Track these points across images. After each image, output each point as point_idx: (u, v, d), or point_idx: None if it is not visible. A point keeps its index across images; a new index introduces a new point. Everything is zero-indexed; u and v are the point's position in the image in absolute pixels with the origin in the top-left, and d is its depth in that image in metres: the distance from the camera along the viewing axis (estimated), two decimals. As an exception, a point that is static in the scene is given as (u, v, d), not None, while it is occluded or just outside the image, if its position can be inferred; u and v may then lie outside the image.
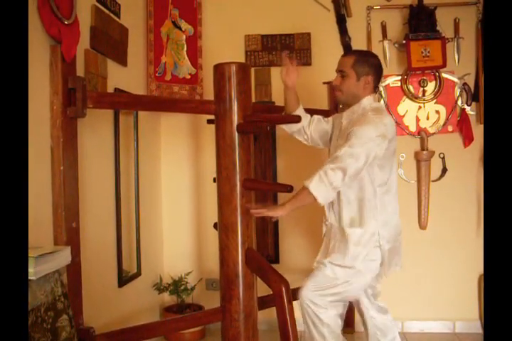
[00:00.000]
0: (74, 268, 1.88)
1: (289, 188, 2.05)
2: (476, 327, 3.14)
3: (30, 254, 1.41)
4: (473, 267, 3.11)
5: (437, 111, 3.20)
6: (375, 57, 2.28)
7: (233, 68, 2.21)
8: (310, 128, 2.42)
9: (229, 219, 2.22)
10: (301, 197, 2.08)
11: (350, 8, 3.19)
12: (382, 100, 3.18)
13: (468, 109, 3.15)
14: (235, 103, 2.20)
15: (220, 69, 2.24)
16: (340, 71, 2.24)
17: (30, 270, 1.40)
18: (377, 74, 2.25)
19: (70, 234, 1.91)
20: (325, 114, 2.68)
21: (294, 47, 3.24)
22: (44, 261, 1.47)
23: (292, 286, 2.11)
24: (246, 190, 2.21)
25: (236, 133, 2.20)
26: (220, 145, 2.23)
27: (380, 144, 2.06)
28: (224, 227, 2.23)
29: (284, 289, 2.03)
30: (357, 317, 2.70)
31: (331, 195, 2.06)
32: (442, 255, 3.19)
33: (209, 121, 2.45)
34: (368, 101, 2.23)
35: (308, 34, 3.23)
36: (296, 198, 2.09)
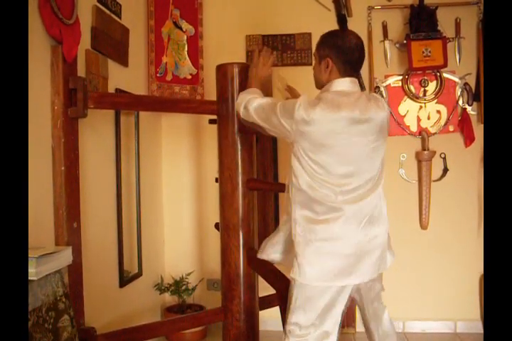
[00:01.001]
0: (75, 269, 1.88)
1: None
2: (478, 327, 3.13)
3: (31, 255, 1.41)
4: (475, 267, 3.11)
5: (438, 111, 3.20)
6: (342, 37, 1.91)
7: (236, 68, 2.21)
8: None
9: (231, 219, 2.22)
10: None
11: (351, 8, 3.19)
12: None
13: (469, 108, 3.15)
14: (238, 103, 2.20)
15: (222, 70, 2.24)
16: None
17: (32, 270, 1.40)
18: (339, 56, 1.87)
19: (71, 234, 1.91)
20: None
21: (294, 48, 3.24)
22: (45, 261, 1.47)
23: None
24: (248, 190, 2.22)
25: (238, 134, 2.20)
26: (223, 145, 2.23)
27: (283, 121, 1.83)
28: (226, 227, 2.24)
29: (286, 288, 2.03)
30: (358, 316, 2.70)
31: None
32: (443, 255, 3.19)
33: (211, 121, 2.45)
34: (331, 85, 1.88)
35: (309, 34, 3.23)
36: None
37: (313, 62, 2.02)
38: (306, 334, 1.85)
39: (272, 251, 2.05)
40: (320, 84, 1.97)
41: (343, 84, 1.87)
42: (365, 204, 1.85)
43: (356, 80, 1.93)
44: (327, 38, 1.94)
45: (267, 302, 2.36)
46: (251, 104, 1.96)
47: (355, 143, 1.82)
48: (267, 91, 2.27)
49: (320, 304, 1.84)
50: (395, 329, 2.15)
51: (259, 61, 2.16)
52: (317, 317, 1.84)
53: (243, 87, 2.20)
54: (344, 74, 1.89)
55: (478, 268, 3.08)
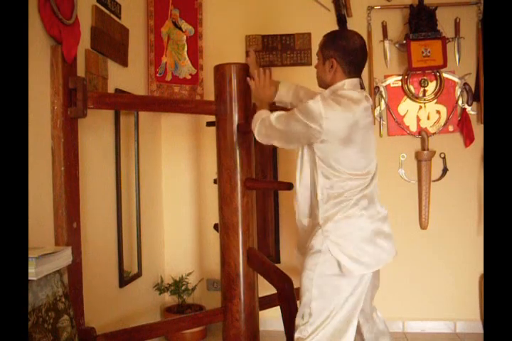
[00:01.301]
0: (75, 269, 1.88)
1: (288, 186, 2.05)
2: (477, 327, 3.14)
3: (31, 255, 1.41)
4: (474, 267, 3.11)
5: (438, 111, 3.20)
6: (347, 38, 1.94)
7: (234, 69, 2.21)
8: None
9: (230, 219, 2.22)
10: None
11: (350, 8, 3.19)
12: (382, 100, 3.18)
13: (469, 108, 3.15)
14: (236, 103, 2.21)
15: (220, 70, 2.24)
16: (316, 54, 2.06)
17: (31, 270, 1.40)
18: (343, 57, 1.91)
19: (70, 234, 1.91)
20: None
21: (294, 48, 3.24)
22: (45, 261, 1.47)
23: (294, 286, 2.10)
24: (247, 190, 2.22)
25: (237, 134, 2.20)
26: (221, 145, 2.24)
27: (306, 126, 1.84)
28: (225, 227, 2.24)
29: (287, 287, 2.03)
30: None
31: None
32: (443, 255, 3.19)
33: (208, 124, 2.45)
34: (337, 86, 1.93)
35: (309, 34, 3.23)
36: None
37: (317, 61, 2.03)
38: (324, 323, 1.84)
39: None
40: (324, 84, 2.00)
41: (352, 83, 1.94)
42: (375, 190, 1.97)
43: (359, 81, 2.00)
44: (332, 39, 1.96)
45: (267, 302, 2.36)
46: (269, 119, 1.95)
47: (369, 135, 1.94)
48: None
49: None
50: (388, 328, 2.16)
51: (259, 84, 2.14)
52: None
53: (241, 87, 2.20)
54: (349, 74, 1.94)
55: (478, 268, 3.08)
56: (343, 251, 1.83)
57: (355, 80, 1.95)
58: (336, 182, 1.88)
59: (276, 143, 1.99)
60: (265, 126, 1.97)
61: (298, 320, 1.88)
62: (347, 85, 1.92)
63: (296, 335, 1.86)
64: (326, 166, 1.87)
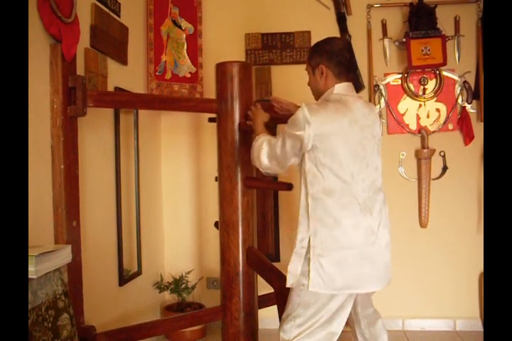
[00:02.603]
0: (75, 267, 1.88)
1: (288, 186, 2.05)
2: (477, 325, 3.14)
3: (30, 253, 1.41)
4: (474, 265, 3.11)
5: (438, 110, 3.20)
6: (328, 42, 1.94)
7: (235, 67, 2.21)
8: None
9: (230, 218, 2.22)
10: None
11: (350, 6, 3.19)
12: (382, 98, 3.18)
13: (468, 107, 3.15)
14: (237, 102, 2.20)
15: (222, 68, 2.24)
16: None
17: (31, 269, 1.40)
18: (331, 60, 1.90)
19: (70, 232, 1.91)
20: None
21: (294, 46, 3.24)
22: (45, 259, 1.47)
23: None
24: (247, 189, 2.22)
25: (238, 132, 2.20)
26: (222, 143, 2.23)
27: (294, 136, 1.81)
28: (225, 226, 2.24)
29: (285, 287, 2.03)
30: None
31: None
32: (443, 253, 3.19)
33: (210, 120, 2.45)
34: (328, 92, 1.92)
35: (309, 32, 3.23)
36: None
37: (308, 77, 2.01)
38: (311, 334, 1.86)
39: None
40: (318, 94, 1.98)
41: (342, 87, 1.91)
42: None
43: (351, 84, 1.96)
44: (314, 47, 1.98)
45: (265, 301, 2.36)
46: (265, 148, 1.93)
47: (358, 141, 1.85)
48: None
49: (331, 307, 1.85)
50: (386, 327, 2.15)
51: (255, 116, 2.12)
52: (326, 320, 1.86)
53: (243, 85, 2.20)
54: (340, 76, 1.92)
55: (478, 266, 3.09)
56: None
57: (345, 84, 1.92)
58: None
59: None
60: (265, 154, 1.93)
61: None
62: (336, 90, 1.89)
63: None
64: None
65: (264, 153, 1.92)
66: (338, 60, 1.90)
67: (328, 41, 1.95)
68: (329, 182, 1.80)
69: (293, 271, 1.85)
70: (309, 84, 2.02)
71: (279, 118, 2.23)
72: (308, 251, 1.81)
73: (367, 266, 1.82)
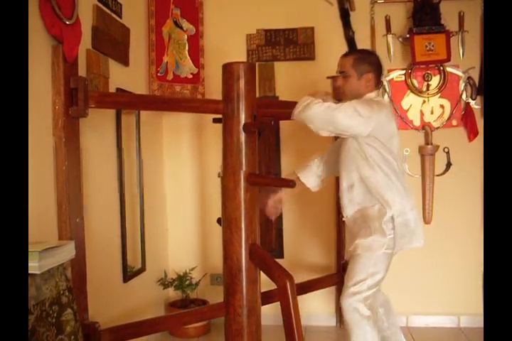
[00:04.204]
0: (78, 263, 1.89)
1: (291, 183, 2.05)
2: (481, 321, 3.09)
3: (34, 249, 1.41)
4: (478, 261, 3.09)
5: (442, 106, 3.19)
6: (374, 54, 2.40)
7: (242, 68, 2.20)
8: (323, 170, 2.56)
9: (233, 214, 2.22)
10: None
11: (353, 2, 3.17)
12: (386, 95, 3.17)
13: (472, 103, 3.14)
14: (243, 102, 2.20)
15: (228, 69, 2.22)
16: (341, 72, 2.32)
17: (35, 264, 1.41)
18: (378, 71, 2.34)
19: (74, 229, 1.91)
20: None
21: (297, 42, 3.23)
22: (48, 255, 1.47)
23: (296, 281, 2.11)
24: (250, 186, 2.22)
25: (243, 133, 2.20)
26: (227, 144, 2.23)
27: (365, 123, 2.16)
28: (228, 222, 2.24)
29: (288, 284, 2.03)
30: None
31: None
32: (447, 249, 3.19)
33: (215, 120, 2.44)
34: (370, 96, 2.30)
35: (312, 28, 3.22)
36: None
37: (348, 77, 2.29)
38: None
39: None
40: (355, 96, 2.27)
41: (376, 93, 2.37)
42: None
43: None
44: (363, 56, 2.33)
45: (268, 298, 2.36)
46: (336, 108, 2.16)
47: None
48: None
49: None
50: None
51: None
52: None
53: (249, 86, 2.20)
54: (377, 86, 2.37)
55: (482, 262, 3.07)
56: None
57: (377, 91, 2.39)
58: None
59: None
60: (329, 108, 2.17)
61: None
62: (374, 94, 2.32)
63: None
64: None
65: (324, 104, 2.18)
66: (380, 72, 2.37)
67: (374, 54, 2.43)
68: None
69: None
70: (346, 86, 2.31)
71: (277, 115, 2.29)
72: None
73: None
